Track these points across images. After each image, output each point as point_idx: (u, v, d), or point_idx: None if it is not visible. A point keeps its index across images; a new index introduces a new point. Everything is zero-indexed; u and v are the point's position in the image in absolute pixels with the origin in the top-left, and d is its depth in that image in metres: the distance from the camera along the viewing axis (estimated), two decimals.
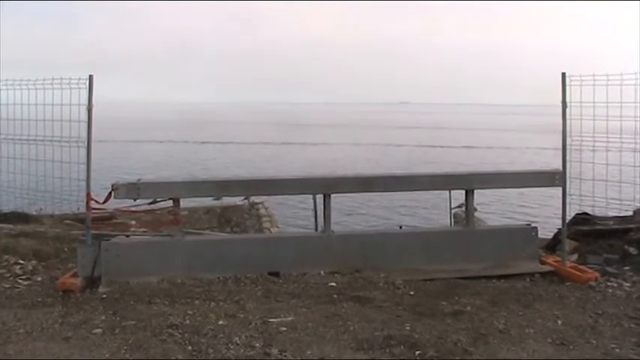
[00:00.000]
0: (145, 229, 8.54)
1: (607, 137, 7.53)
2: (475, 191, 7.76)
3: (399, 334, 5.43)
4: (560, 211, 7.93)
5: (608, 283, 7.19)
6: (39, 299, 6.66)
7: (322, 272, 7.39)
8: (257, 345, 5.20)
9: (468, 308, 6.25)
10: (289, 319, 5.87)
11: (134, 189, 7.16)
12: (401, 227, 10.61)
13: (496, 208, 22.01)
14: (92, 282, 7.19)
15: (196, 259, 7.31)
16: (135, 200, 7.34)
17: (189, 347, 5.16)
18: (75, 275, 7.23)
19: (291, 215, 24.28)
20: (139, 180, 7.28)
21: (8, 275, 7.63)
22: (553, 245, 8.84)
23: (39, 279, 7.54)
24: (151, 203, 7.69)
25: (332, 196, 7.52)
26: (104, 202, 7.35)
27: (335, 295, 6.64)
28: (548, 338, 5.45)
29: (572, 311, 6.24)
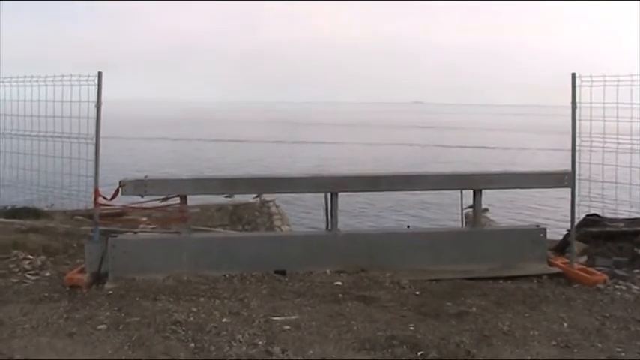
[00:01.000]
0: (154, 226, 8.56)
1: (617, 139, 7.48)
2: (484, 192, 7.72)
3: (402, 335, 5.41)
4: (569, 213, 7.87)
5: (617, 286, 7.12)
6: (46, 294, 6.70)
7: (328, 271, 7.38)
8: (259, 343, 5.20)
9: (473, 309, 6.22)
10: (293, 317, 5.86)
11: (141, 186, 7.19)
12: (408, 227, 10.55)
13: (506, 209, 21.87)
14: (99, 278, 7.23)
15: (203, 257, 7.32)
16: (142, 197, 7.36)
17: (192, 344, 5.16)
18: (82, 271, 7.27)
19: (303, 213, 24.30)
20: (146, 177, 7.31)
21: (17, 270, 7.70)
22: (562, 247, 8.79)
23: (47, 274, 7.60)
24: (162, 200, 7.71)
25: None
26: (112, 198, 7.39)
27: (340, 294, 6.63)
28: (552, 340, 5.41)
29: (579, 313, 6.19)
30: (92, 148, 7.42)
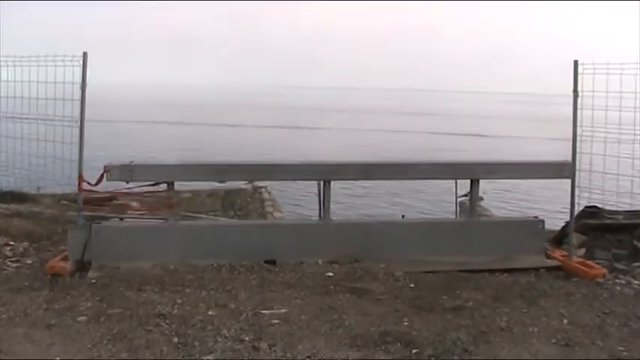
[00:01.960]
0: (142, 212, 8.29)
1: (619, 129, 7.24)
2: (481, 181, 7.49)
3: (395, 330, 5.18)
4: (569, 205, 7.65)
5: (617, 281, 6.93)
6: (26, 283, 6.44)
7: (320, 261, 7.15)
8: (246, 338, 4.96)
9: (470, 303, 6.01)
10: (282, 311, 5.63)
11: (127, 171, 6.92)
12: (403, 217, 10.32)
13: (500, 199, 21.66)
14: (82, 266, 6.98)
15: (190, 245, 7.08)
16: (127, 183, 7.10)
17: (175, 339, 4.92)
18: (65, 259, 7.02)
19: (296, 199, 24.05)
20: (131, 162, 7.03)
21: None
22: (560, 238, 8.57)
23: (29, 261, 7.34)
24: (153, 185, 7.44)
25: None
26: (96, 183, 7.13)
27: (332, 286, 6.40)
28: (552, 338, 5.19)
29: (579, 309, 5.98)
30: (77, 131, 7.14)
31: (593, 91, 7.04)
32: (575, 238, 8.13)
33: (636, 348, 5.07)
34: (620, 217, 8.43)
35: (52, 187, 10.45)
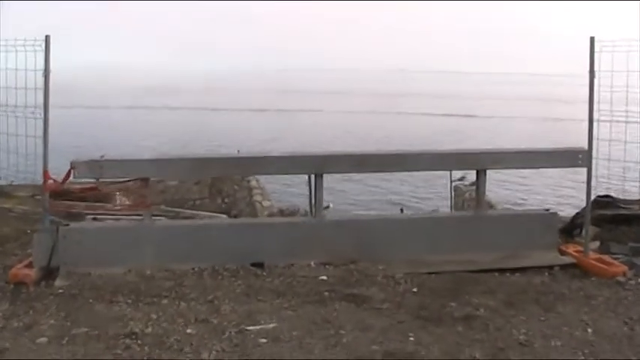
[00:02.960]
0: (119, 211, 7.58)
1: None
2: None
3: (401, 350, 4.53)
4: (582, 195, 7.04)
5: None
6: None
7: (312, 263, 6.50)
8: None
9: (481, 311, 5.36)
10: (270, 326, 4.96)
11: (96, 167, 6.21)
12: (402, 210, 9.64)
13: (500, 185, 21.00)
14: (50, 273, 6.29)
15: (168, 248, 6.40)
16: (97, 180, 6.40)
17: None
18: (30, 265, 6.32)
19: (285, 186, 23.33)
20: (102, 157, 6.32)
21: None
22: (570, 229, 7.95)
23: None
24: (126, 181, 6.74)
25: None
26: (63, 181, 6.42)
27: (326, 293, 5.74)
28: (578, 352, 4.59)
29: (602, 315, 5.35)
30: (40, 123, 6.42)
31: (612, 71, 6.36)
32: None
33: None
34: (637, 207, 7.81)
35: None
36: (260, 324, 4.98)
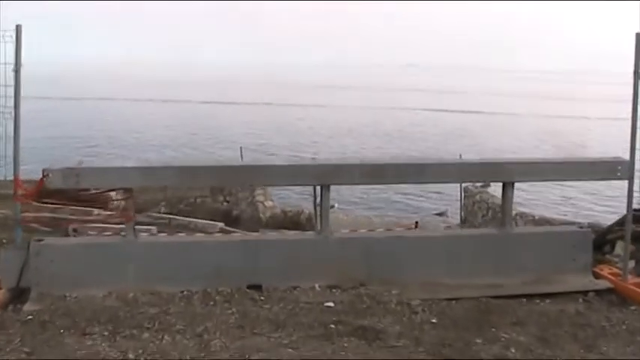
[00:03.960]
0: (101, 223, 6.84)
1: None
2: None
3: None
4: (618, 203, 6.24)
5: None
6: None
7: (317, 286, 5.76)
8: None
9: (512, 351, 4.61)
10: None
11: (72, 175, 5.46)
12: (417, 226, 8.83)
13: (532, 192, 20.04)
14: (20, 294, 5.59)
15: (154, 267, 5.67)
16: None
17: None
18: None
19: (288, 188, 22.55)
20: (79, 163, 5.57)
21: None
22: (600, 244, 7.20)
23: None
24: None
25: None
26: (35, 191, 5.68)
27: (332, 325, 4.99)
28: None
29: None
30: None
31: None
32: (620, 247, 6.79)
33: None
34: None
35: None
36: None
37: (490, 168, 6.16)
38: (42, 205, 8.17)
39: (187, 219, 13.76)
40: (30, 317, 5.10)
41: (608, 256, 7.09)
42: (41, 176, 5.53)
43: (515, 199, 6.32)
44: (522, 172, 6.02)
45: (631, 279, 6.02)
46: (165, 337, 4.71)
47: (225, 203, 19.93)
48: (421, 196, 26.10)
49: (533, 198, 20.51)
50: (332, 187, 5.84)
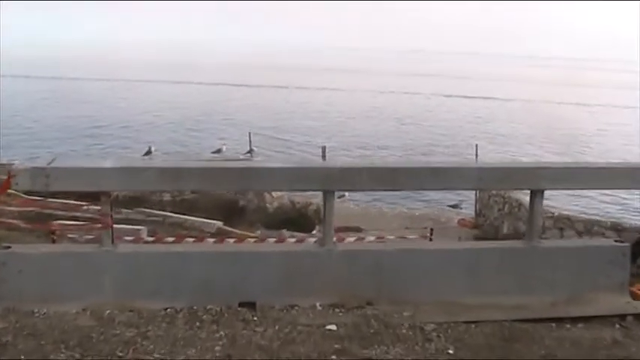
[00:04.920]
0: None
1: None
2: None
3: None
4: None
5: None
6: None
7: (318, 305, 5.09)
8: None
9: None
10: None
11: (41, 176, 4.79)
12: (431, 238, 7.99)
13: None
14: None
15: (134, 281, 5.02)
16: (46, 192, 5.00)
17: None
18: None
19: None
20: (50, 163, 4.89)
21: None
22: (635, 254, 6.49)
23: None
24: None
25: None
26: (1, 192, 5.02)
27: (334, 356, 4.33)
28: None
29: None
30: None
31: None
32: None
33: None
34: None
35: None
36: None
37: (515, 174, 5.38)
38: (30, 199, 7.61)
39: (183, 217, 13.00)
40: None
41: None
42: (7, 176, 4.88)
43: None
44: (554, 177, 5.27)
45: None
46: None
47: (229, 193, 19.26)
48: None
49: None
50: None
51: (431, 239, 9.39)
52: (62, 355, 4.23)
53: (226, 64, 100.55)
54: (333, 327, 4.79)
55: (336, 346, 4.48)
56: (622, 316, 5.20)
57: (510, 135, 42.35)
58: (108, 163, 5.13)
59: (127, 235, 8.41)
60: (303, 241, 9.28)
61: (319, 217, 15.69)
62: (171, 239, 8.81)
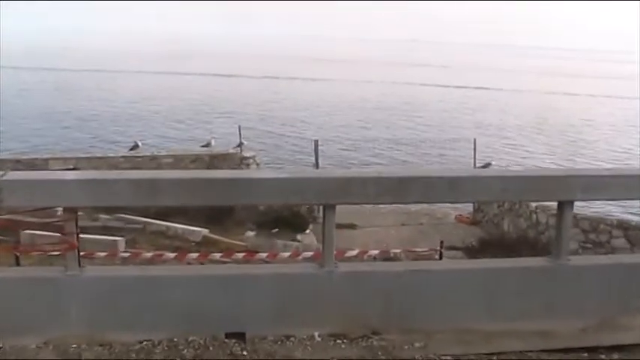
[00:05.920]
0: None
1: None
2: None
3: None
4: None
5: None
6: None
7: (316, 335, 4.45)
8: None
9: None
10: None
11: None
12: (441, 256, 7.20)
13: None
14: None
15: (104, 309, 4.36)
16: None
17: None
18: None
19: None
20: (2, 175, 4.19)
21: None
22: None
23: None
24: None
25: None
26: None
27: None
28: None
29: None
30: None
31: None
32: None
33: None
34: None
35: None
36: None
37: (545, 182, 4.73)
38: None
39: (165, 223, 12.16)
40: None
41: None
42: None
43: None
44: (585, 187, 4.61)
45: None
46: None
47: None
48: None
49: None
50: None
51: (441, 254, 8.73)
52: None
53: (219, 54, 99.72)
54: None
55: None
56: None
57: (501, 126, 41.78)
58: (71, 175, 4.43)
59: (102, 248, 7.72)
60: (299, 255, 8.58)
61: (312, 215, 15.05)
62: (149, 254, 8.11)
